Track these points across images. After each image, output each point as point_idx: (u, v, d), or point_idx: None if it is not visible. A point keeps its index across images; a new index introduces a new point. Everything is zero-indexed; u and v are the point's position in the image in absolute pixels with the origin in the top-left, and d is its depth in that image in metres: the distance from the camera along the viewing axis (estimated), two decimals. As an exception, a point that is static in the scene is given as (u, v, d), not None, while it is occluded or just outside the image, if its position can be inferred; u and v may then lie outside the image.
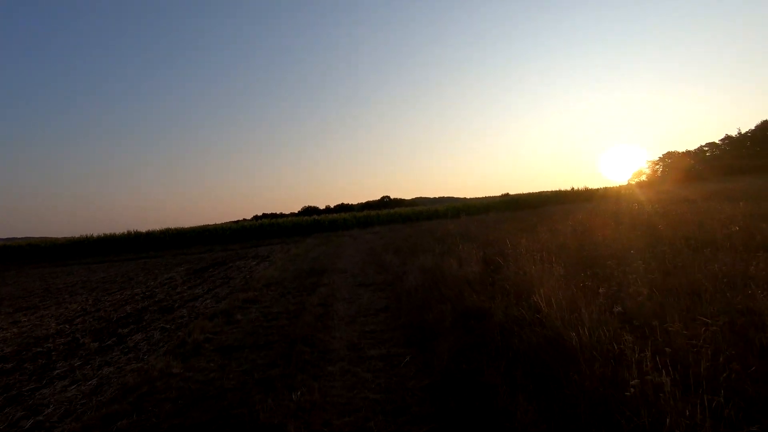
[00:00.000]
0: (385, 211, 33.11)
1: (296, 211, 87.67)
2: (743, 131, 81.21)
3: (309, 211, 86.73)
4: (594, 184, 34.54)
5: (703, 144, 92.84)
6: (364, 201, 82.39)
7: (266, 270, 11.04)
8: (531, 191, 34.54)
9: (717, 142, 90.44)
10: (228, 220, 36.10)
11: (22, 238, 36.33)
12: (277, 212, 67.13)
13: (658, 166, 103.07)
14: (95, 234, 27.53)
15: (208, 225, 29.54)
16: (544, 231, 9.63)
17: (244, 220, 40.45)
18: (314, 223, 29.55)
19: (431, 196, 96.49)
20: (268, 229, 28.42)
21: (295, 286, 8.18)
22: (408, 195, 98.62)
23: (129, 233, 27.30)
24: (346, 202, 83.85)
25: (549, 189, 39.24)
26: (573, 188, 37.11)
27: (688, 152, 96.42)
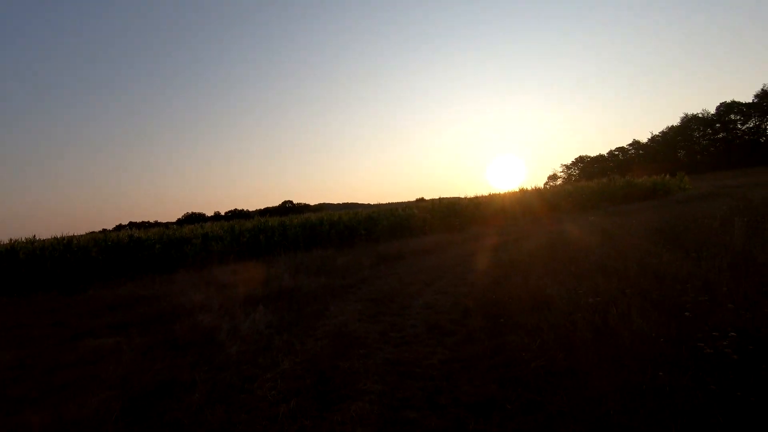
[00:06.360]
0: (300, 218, 16.68)
1: (179, 218, 65.40)
2: (654, 134, 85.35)
3: (192, 218, 64.94)
4: (487, 190, 24.13)
5: (614, 148, 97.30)
6: (263, 207, 62.25)
7: None
8: (445, 195, 21.33)
9: (626, 146, 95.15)
10: (89, 230, 17.34)
11: None
12: (152, 221, 45.09)
13: (572, 170, 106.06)
14: None
15: None
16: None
17: (104, 231, 20.67)
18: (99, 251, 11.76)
19: (336, 202, 78.81)
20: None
21: None
22: (312, 200, 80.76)
23: None
24: (240, 208, 63.26)
25: (462, 194, 26.83)
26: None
27: (600, 156, 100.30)
